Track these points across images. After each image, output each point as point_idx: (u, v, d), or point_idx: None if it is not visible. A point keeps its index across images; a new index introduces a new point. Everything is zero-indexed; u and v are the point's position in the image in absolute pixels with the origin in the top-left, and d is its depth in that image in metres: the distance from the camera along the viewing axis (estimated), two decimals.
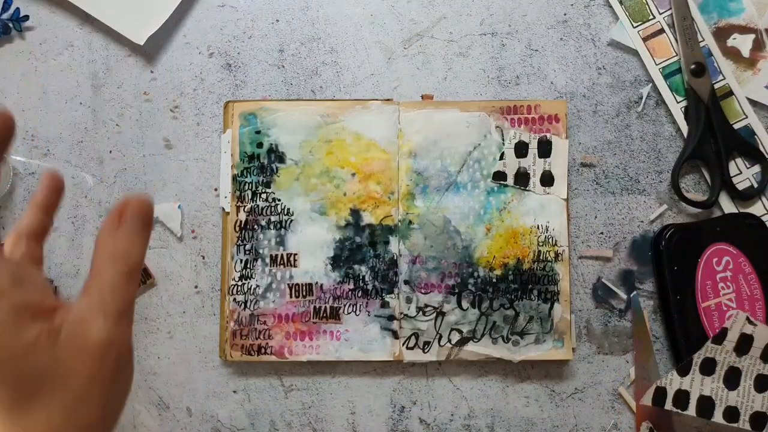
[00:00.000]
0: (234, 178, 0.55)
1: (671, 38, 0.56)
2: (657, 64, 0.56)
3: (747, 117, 0.55)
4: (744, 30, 0.56)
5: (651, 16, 0.56)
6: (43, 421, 0.27)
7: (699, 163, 0.55)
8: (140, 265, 0.31)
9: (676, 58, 0.56)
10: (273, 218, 0.55)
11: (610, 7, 0.56)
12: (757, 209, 0.55)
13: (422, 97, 0.56)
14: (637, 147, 0.56)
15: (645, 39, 0.56)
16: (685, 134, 0.55)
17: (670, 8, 0.56)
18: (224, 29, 0.57)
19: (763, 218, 0.54)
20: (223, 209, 0.55)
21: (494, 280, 0.54)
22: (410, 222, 0.54)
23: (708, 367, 0.51)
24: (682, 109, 0.55)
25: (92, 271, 0.30)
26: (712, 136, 0.54)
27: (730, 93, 0.55)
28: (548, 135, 0.55)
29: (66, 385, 0.27)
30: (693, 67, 0.55)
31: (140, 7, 0.56)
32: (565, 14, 0.57)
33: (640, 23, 0.56)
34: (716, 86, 0.55)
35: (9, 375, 0.27)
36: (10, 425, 0.26)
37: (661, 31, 0.56)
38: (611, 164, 0.56)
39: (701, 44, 0.55)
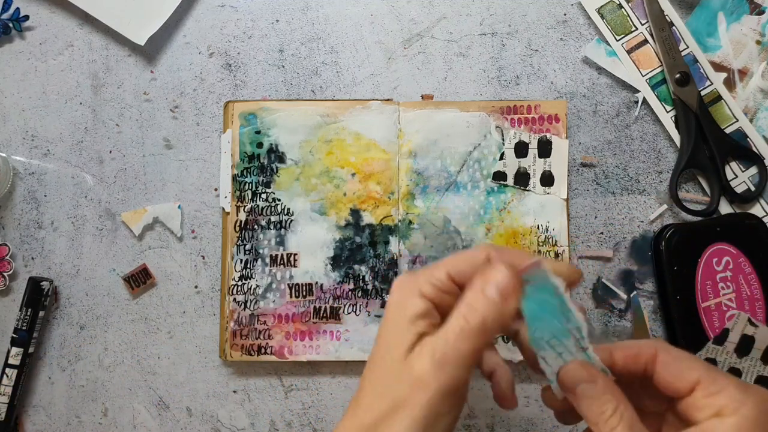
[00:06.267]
0: (234, 178, 0.55)
1: (656, 48, 0.56)
2: (643, 75, 0.56)
3: (738, 120, 0.55)
4: (718, 68, 0.55)
5: (633, 28, 0.56)
6: None
7: (695, 172, 0.55)
8: (484, 329, 0.32)
9: (662, 68, 0.55)
10: (273, 218, 0.55)
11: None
12: (756, 212, 0.55)
13: (422, 97, 0.56)
14: (637, 147, 0.56)
15: (629, 51, 0.56)
16: (678, 143, 0.55)
17: (648, 20, 0.56)
18: (224, 29, 0.57)
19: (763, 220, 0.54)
20: (223, 209, 0.55)
21: None
22: (410, 222, 0.54)
23: None
24: (672, 118, 0.55)
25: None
26: (705, 143, 0.54)
27: (719, 98, 0.55)
28: (548, 135, 0.55)
29: None
30: (677, 76, 0.54)
31: (140, 7, 0.56)
32: (565, 14, 0.57)
33: (623, 36, 0.56)
34: (704, 92, 0.55)
35: None
36: None
37: (645, 41, 0.56)
38: (611, 164, 0.56)
39: (685, 52, 0.55)
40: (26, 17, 0.57)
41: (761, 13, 0.55)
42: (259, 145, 0.55)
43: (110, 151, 0.57)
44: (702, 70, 0.55)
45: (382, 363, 0.33)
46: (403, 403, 0.31)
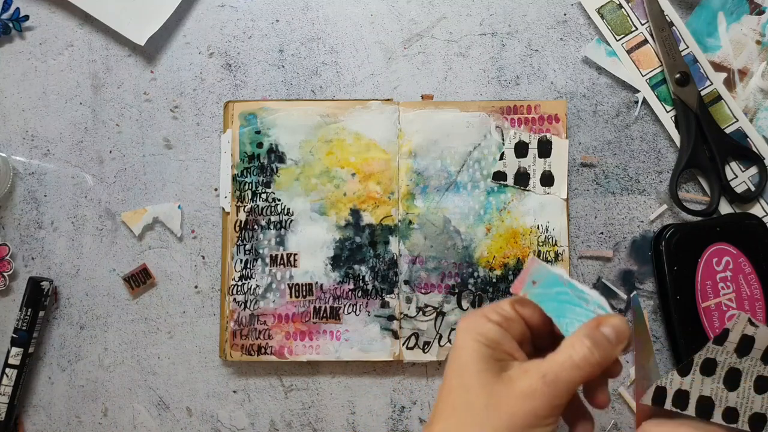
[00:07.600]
0: (234, 178, 0.55)
1: (656, 48, 0.56)
2: (643, 75, 0.56)
3: (738, 120, 0.55)
4: (718, 68, 0.55)
5: (633, 28, 0.56)
6: None
7: (696, 172, 0.55)
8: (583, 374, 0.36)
9: (662, 68, 0.55)
10: (273, 218, 0.55)
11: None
12: (756, 212, 0.55)
13: (422, 97, 0.56)
14: (637, 147, 0.56)
15: (629, 51, 0.56)
16: (678, 143, 0.55)
17: (648, 20, 0.55)
18: (224, 29, 0.57)
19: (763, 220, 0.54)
20: (223, 209, 0.55)
21: (494, 280, 0.54)
22: (410, 222, 0.54)
23: (708, 367, 0.51)
24: (672, 118, 0.55)
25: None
26: (704, 143, 0.54)
27: (719, 98, 0.55)
28: (548, 135, 0.55)
29: None
30: (677, 76, 0.54)
31: (140, 7, 0.56)
32: (565, 14, 0.57)
33: (623, 36, 0.56)
34: (704, 92, 0.55)
35: None
36: None
37: (645, 41, 0.56)
38: (611, 164, 0.56)
39: (685, 52, 0.55)
40: (26, 17, 0.57)
41: (761, 13, 0.55)
42: (259, 145, 0.55)
43: (110, 151, 0.57)
44: (702, 70, 0.55)
45: (464, 384, 0.35)
46: (501, 411, 0.34)
